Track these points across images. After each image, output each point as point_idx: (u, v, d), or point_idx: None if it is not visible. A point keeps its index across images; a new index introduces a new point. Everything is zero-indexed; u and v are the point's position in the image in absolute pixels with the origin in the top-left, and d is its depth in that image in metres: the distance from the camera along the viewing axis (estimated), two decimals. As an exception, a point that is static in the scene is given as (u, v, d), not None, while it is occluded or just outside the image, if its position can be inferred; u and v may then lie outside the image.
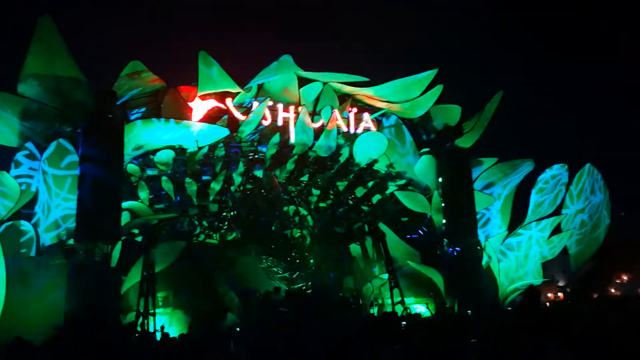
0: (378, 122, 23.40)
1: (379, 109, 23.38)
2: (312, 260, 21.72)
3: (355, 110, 23.05)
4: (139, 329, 16.01)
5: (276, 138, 21.34)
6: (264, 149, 21.42)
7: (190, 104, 20.02)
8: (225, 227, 20.92)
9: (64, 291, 15.29)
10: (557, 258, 25.30)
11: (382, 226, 21.86)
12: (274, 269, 21.18)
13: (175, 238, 19.26)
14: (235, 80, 20.28)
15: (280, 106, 21.45)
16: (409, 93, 22.39)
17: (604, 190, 25.92)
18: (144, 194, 19.49)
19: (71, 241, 16.35)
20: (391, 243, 21.66)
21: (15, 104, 16.95)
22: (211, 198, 20.55)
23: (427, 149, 23.14)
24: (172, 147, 19.54)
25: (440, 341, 7.24)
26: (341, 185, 22.71)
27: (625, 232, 28.74)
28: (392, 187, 23.06)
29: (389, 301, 20.78)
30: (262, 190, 21.13)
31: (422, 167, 22.39)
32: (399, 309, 19.77)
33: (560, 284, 25.43)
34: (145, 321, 16.34)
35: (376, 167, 22.76)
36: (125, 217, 17.62)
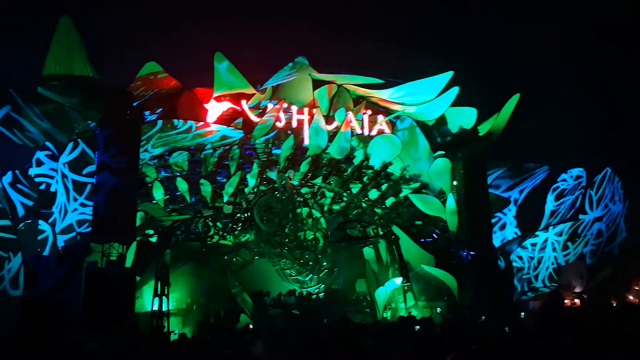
0: (392, 125, 23.30)
1: (394, 111, 23.27)
2: (325, 263, 21.65)
3: (369, 112, 22.97)
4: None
5: (290, 140, 21.35)
6: (278, 151, 21.44)
7: (205, 105, 20.12)
8: (239, 228, 20.96)
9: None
10: (574, 264, 24.98)
11: (396, 229, 21.72)
12: (287, 271, 21.16)
13: (189, 239, 19.34)
14: (250, 81, 20.35)
15: (294, 108, 21.47)
16: (425, 95, 22.24)
17: (623, 200, 25.58)
18: (158, 194, 19.60)
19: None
20: (405, 246, 21.51)
21: (35, 104, 17.16)
22: (225, 199, 20.61)
23: (442, 152, 22.97)
24: (187, 149, 19.67)
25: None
26: (355, 187, 22.63)
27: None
28: (406, 190, 22.92)
29: (402, 305, 20.64)
30: (276, 192, 21.14)
31: (437, 170, 22.22)
32: (414, 313, 19.60)
33: (577, 290, 25.03)
34: (160, 321, 16.41)
35: (390, 169, 22.66)
36: (140, 218, 17.76)
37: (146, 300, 17.16)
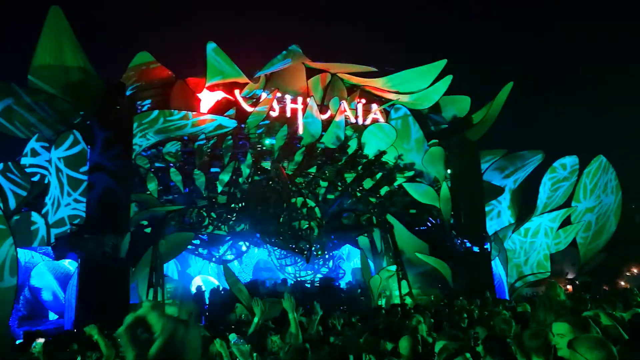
0: (386, 113, 23.27)
1: (388, 100, 23.23)
2: (319, 252, 21.72)
3: (363, 101, 22.94)
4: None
5: (284, 130, 21.29)
6: (272, 141, 21.39)
7: (198, 95, 20.01)
8: (233, 218, 20.96)
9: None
10: (567, 250, 25.19)
11: (390, 218, 21.80)
12: (282, 260, 21.22)
13: (184, 229, 19.31)
14: (243, 70, 20.23)
15: (288, 97, 21.38)
16: (418, 84, 22.20)
17: (616, 192, 25.67)
18: (152, 185, 19.54)
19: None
20: (399, 235, 21.61)
21: (25, 95, 17.01)
22: (219, 189, 20.58)
23: (436, 140, 22.99)
24: (180, 139, 19.59)
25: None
26: (349, 177, 22.65)
27: (635, 225, 28.53)
28: (400, 179, 22.96)
29: (397, 293, 20.78)
30: (270, 182, 21.13)
31: (431, 159, 22.25)
32: (407, 301, 19.75)
33: (570, 276, 25.29)
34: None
35: (384, 158, 22.67)
36: (133, 209, 17.71)
37: (141, 291, 17.16)
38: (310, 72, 22.04)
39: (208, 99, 20.16)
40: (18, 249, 16.02)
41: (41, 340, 9.58)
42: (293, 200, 21.18)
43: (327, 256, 22.12)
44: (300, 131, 21.36)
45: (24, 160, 17.98)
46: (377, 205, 22.79)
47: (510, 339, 5.44)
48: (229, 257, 21.09)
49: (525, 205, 24.46)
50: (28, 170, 17.64)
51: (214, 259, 21.55)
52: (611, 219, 25.68)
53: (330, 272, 22.15)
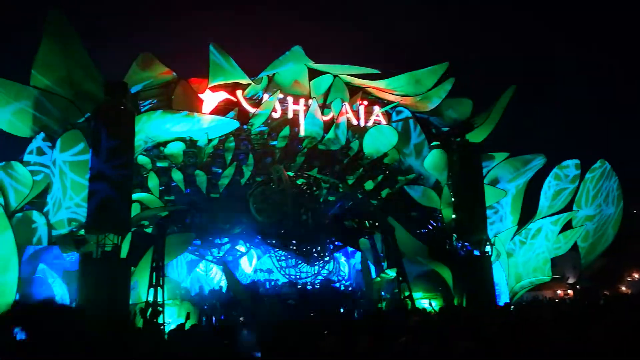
0: (388, 115, 23.28)
1: (390, 102, 23.24)
2: (320, 254, 21.70)
3: (365, 103, 22.95)
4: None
5: (286, 131, 21.31)
6: (273, 142, 21.40)
7: (200, 95, 20.03)
8: (235, 219, 20.95)
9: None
10: (568, 254, 25.12)
11: (391, 220, 21.76)
12: (282, 262, 21.22)
13: (184, 230, 19.31)
14: (245, 71, 20.24)
15: (290, 99, 21.40)
16: (421, 86, 22.20)
17: (617, 203, 25.55)
18: (153, 185, 19.55)
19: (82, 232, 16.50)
20: (400, 237, 21.56)
21: (28, 95, 17.04)
22: (221, 190, 20.57)
23: (438, 143, 22.97)
24: (182, 139, 19.61)
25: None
26: (350, 178, 22.64)
27: (636, 229, 28.42)
28: (401, 181, 22.95)
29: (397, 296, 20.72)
30: (272, 184, 21.14)
31: (432, 161, 22.23)
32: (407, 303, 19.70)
33: (570, 280, 25.23)
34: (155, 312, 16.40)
35: (386, 160, 22.67)
36: (135, 209, 17.72)
37: (141, 291, 17.16)
38: (313, 74, 22.05)
39: (210, 99, 20.18)
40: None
41: None
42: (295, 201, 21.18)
43: (327, 258, 22.07)
44: (302, 132, 21.37)
45: (29, 158, 17.99)
46: (378, 207, 22.76)
47: None
48: (230, 257, 21.07)
49: (526, 209, 24.40)
50: (33, 168, 17.67)
51: (214, 260, 21.56)
52: (609, 232, 25.59)
53: (330, 274, 22.11)
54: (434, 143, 23.05)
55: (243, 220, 20.17)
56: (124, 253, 16.28)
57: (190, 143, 19.62)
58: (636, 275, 28.08)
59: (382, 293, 21.09)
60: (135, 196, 17.55)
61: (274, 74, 21.34)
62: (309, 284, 21.41)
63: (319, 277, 21.69)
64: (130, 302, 15.91)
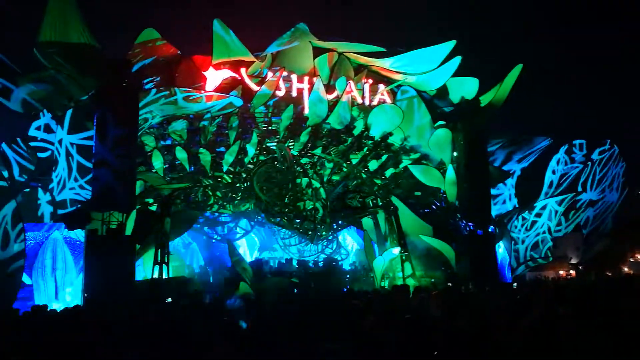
0: (393, 94, 23.06)
1: (395, 80, 23.00)
2: (324, 233, 21.80)
3: (370, 81, 22.71)
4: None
5: (290, 109, 21.16)
6: (277, 120, 21.29)
7: (204, 73, 19.86)
8: (238, 197, 21.00)
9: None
10: (570, 235, 25.17)
11: (395, 200, 21.78)
12: (286, 240, 21.33)
13: (189, 208, 19.39)
14: (249, 48, 20.02)
15: (294, 77, 21.20)
16: (426, 65, 21.92)
17: (620, 190, 25.44)
18: (158, 163, 19.56)
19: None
20: (404, 217, 21.61)
21: (31, 71, 16.95)
22: (225, 169, 20.58)
23: (443, 123, 22.81)
24: (186, 117, 19.53)
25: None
26: (355, 158, 22.58)
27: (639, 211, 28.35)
28: (406, 161, 22.87)
29: (400, 274, 20.89)
30: (276, 162, 21.11)
31: (437, 141, 22.11)
32: (410, 282, 19.87)
33: (573, 261, 25.30)
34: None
35: (390, 140, 22.54)
36: (139, 187, 17.78)
37: (146, 269, 17.33)
38: (317, 52, 21.78)
39: (214, 77, 19.98)
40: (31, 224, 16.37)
41: None
42: (298, 180, 21.21)
43: (331, 237, 22.17)
44: (306, 111, 21.22)
45: (36, 133, 18.00)
46: (382, 187, 22.76)
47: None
48: (235, 235, 21.19)
49: (531, 189, 24.37)
50: (40, 144, 17.71)
51: (219, 238, 21.69)
52: (607, 221, 25.57)
53: (333, 252, 22.23)
54: (439, 123, 22.90)
55: (247, 198, 20.21)
56: (129, 230, 16.39)
57: (194, 121, 19.53)
58: (639, 256, 28.14)
59: (385, 272, 21.26)
60: (139, 174, 17.58)
61: (278, 52, 21.10)
62: (312, 262, 21.54)
63: (322, 256, 21.81)
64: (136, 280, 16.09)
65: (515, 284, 19.59)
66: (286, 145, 21.02)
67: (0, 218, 14.51)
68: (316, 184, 21.50)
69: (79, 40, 16.96)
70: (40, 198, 17.34)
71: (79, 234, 17.17)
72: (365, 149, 22.52)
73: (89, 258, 15.62)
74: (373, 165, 22.71)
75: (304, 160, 21.92)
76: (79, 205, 16.89)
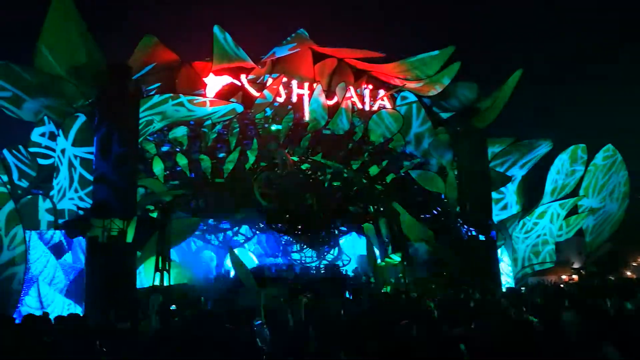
0: (394, 100, 23.09)
1: (395, 86, 23.03)
2: (325, 239, 21.71)
3: (370, 87, 22.75)
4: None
5: (290, 115, 21.16)
6: (278, 127, 21.27)
7: (204, 79, 19.87)
8: (240, 203, 20.90)
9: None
10: (573, 239, 25.08)
11: (396, 205, 21.72)
12: (288, 246, 21.25)
13: (189, 214, 19.31)
14: (250, 55, 20.06)
15: (294, 83, 21.22)
16: (426, 70, 21.96)
17: (621, 201, 25.30)
18: (158, 170, 19.51)
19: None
20: (405, 222, 21.52)
21: (31, 78, 16.93)
22: (225, 175, 20.52)
23: (443, 127, 22.82)
24: (186, 123, 19.51)
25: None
26: (355, 163, 22.54)
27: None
28: (406, 166, 22.85)
29: (403, 280, 20.76)
30: (276, 168, 21.06)
31: (438, 146, 22.10)
32: (411, 288, 19.72)
33: (575, 265, 25.20)
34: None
35: (391, 145, 22.54)
36: (140, 193, 17.71)
37: (147, 276, 17.23)
38: (317, 57, 21.83)
39: (214, 83, 20.03)
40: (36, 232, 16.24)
41: None
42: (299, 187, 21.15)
43: (332, 243, 22.09)
44: (307, 117, 21.23)
45: (40, 140, 17.93)
46: (383, 193, 22.70)
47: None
48: (236, 242, 21.10)
49: (532, 193, 24.32)
50: (43, 151, 17.68)
51: (220, 244, 21.60)
52: (606, 229, 25.47)
53: (335, 258, 22.15)
54: (440, 128, 22.91)
55: (248, 205, 20.13)
56: (129, 238, 16.30)
57: (195, 127, 19.51)
58: (641, 260, 28.04)
59: (387, 278, 21.15)
60: (140, 181, 17.52)
61: (278, 58, 21.14)
62: (313, 268, 21.44)
63: (324, 262, 21.71)
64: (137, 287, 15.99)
65: (523, 289, 19.49)
66: (286, 151, 20.98)
67: None
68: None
69: (79, 45, 16.96)
70: (39, 206, 17.26)
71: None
72: (366, 154, 22.49)
73: (90, 265, 15.52)
74: (374, 170, 22.68)
75: (304, 166, 21.88)
76: (80, 212, 16.81)
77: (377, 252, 22.11)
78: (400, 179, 22.80)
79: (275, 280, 19.68)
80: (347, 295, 18.30)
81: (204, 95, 19.07)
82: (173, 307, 13.88)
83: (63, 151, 17.24)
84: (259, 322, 6.12)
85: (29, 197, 16.94)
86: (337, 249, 22.34)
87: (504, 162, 23.57)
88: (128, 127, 16.42)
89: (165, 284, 16.43)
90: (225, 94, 19.89)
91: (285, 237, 21.08)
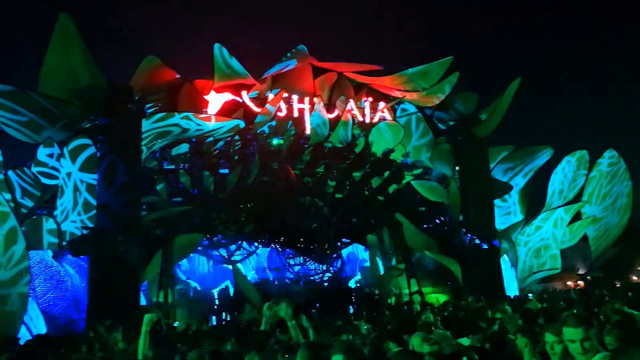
0: (394, 111, 23.26)
1: (395, 97, 23.22)
2: (328, 251, 21.76)
3: (370, 99, 22.94)
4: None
5: (291, 130, 21.37)
6: (279, 141, 21.47)
7: (205, 97, 20.14)
8: (242, 219, 21.03)
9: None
10: (578, 245, 24.99)
11: (399, 216, 21.77)
12: (291, 260, 21.30)
13: (193, 231, 19.43)
14: (250, 71, 20.33)
15: (295, 97, 21.46)
16: (426, 81, 22.15)
17: (623, 213, 25.17)
18: (161, 186, 19.69)
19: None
20: (408, 233, 21.56)
21: (35, 101, 17.23)
22: (228, 191, 20.66)
23: (444, 137, 22.94)
24: (189, 141, 19.74)
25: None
26: (357, 175, 22.65)
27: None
28: (408, 177, 22.93)
29: (407, 291, 20.75)
30: (278, 182, 21.19)
31: (439, 156, 22.21)
32: (416, 299, 19.72)
33: (581, 271, 25.11)
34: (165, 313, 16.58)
35: (392, 156, 22.66)
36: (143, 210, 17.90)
37: (151, 293, 17.35)
38: (317, 72, 22.09)
39: (215, 100, 20.31)
40: (38, 252, 16.37)
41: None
42: (301, 200, 21.26)
43: (335, 255, 22.14)
44: (308, 131, 21.42)
45: (47, 160, 18.14)
46: (385, 204, 22.76)
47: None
48: (238, 257, 21.19)
49: (534, 201, 24.32)
50: (49, 171, 17.92)
51: (223, 260, 21.69)
52: (608, 241, 25.33)
53: (338, 271, 22.17)
54: (441, 138, 23.03)
55: (251, 219, 20.27)
56: (133, 255, 16.46)
57: (197, 144, 19.74)
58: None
59: (391, 289, 21.13)
60: (143, 199, 17.72)
61: (278, 74, 21.41)
62: (317, 281, 21.45)
63: (327, 274, 21.73)
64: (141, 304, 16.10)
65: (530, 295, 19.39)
66: (288, 165, 21.11)
67: None
68: (319, 202, 21.53)
69: (82, 68, 17.26)
70: (43, 227, 17.43)
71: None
72: (368, 166, 22.60)
73: (94, 282, 15.66)
74: (376, 182, 22.78)
75: (306, 179, 22.00)
76: (84, 232, 17.01)
77: (380, 263, 22.13)
78: (402, 189, 22.86)
79: (280, 294, 19.71)
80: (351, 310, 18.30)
81: (205, 113, 19.33)
82: (176, 323, 14.02)
83: (69, 174, 17.47)
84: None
85: (34, 217, 17.14)
86: (340, 260, 22.35)
87: (505, 170, 23.61)
88: (130, 146, 16.65)
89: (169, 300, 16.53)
90: (226, 111, 20.15)
91: (287, 251, 21.14)
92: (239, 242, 20.93)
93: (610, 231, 25.19)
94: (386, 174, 22.80)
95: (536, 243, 23.47)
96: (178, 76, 19.64)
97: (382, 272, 21.92)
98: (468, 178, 21.92)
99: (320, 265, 21.50)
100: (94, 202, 16.83)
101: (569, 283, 24.46)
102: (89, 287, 15.85)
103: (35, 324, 15.61)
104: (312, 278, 21.21)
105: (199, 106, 19.67)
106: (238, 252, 20.95)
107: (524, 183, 24.35)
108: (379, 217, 22.43)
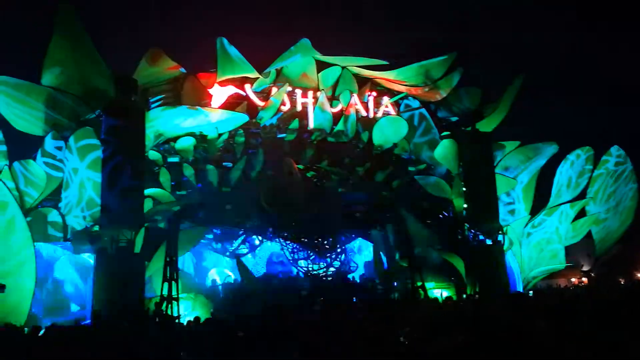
0: (398, 106, 23.17)
1: (399, 92, 23.12)
2: (332, 246, 21.70)
3: (374, 94, 22.85)
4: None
5: (295, 124, 21.30)
6: (283, 135, 21.40)
7: (209, 90, 20.07)
8: (247, 212, 20.95)
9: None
10: (582, 242, 24.92)
11: (403, 212, 21.71)
12: (295, 254, 21.26)
13: (197, 224, 19.41)
14: (254, 65, 20.24)
15: (298, 91, 21.38)
16: (430, 76, 22.03)
17: (625, 217, 25.05)
18: (165, 180, 19.66)
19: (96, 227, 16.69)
20: (411, 228, 21.50)
21: (39, 93, 17.20)
22: (232, 184, 20.62)
23: (448, 133, 22.85)
24: (192, 134, 19.69)
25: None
26: (361, 170, 22.58)
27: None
28: (412, 172, 22.86)
29: (410, 286, 20.69)
30: (282, 177, 21.11)
31: (443, 151, 22.12)
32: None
33: (585, 268, 25.03)
34: (169, 306, 16.57)
35: (396, 151, 22.59)
36: (147, 204, 17.87)
37: (155, 285, 17.33)
38: (321, 66, 21.98)
39: (219, 94, 20.23)
40: (40, 244, 16.40)
41: None
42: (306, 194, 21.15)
43: (339, 249, 22.09)
44: (311, 125, 21.35)
45: (55, 152, 18.15)
46: (389, 198, 22.68)
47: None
48: (243, 251, 21.18)
49: (538, 197, 24.23)
50: (56, 163, 17.94)
51: (227, 253, 21.68)
52: (610, 242, 25.25)
53: (342, 265, 22.12)
54: (445, 133, 22.94)
55: (255, 213, 20.21)
56: (137, 248, 16.45)
57: (201, 138, 19.68)
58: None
59: (395, 283, 21.10)
60: (147, 192, 17.69)
61: (282, 67, 21.32)
62: (322, 275, 21.41)
63: (332, 269, 21.68)
64: (146, 296, 16.10)
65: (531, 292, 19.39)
66: (291, 159, 21.04)
67: None
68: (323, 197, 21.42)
69: (86, 60, 17.21)
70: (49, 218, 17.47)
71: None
72: (370, 162, 22.50)
73: (99, 276, 15.66)
74: (379, 177, 22.70)
75: (310, 174, 21.94)
76: (87, 226, 17.00)
77: (384, 258, 22.08)
78: (406, 184, 22.79)
79: (285, 288, 19.68)
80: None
81: (207, 105, 19.29)
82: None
83: (75, 170, 17.45)
84: None
85: (39, 209, 17.16)
86: (344, 255, 22.31)
87: (510, 166, 23.49)
88: (134, 139, 16.60)
89: (174, 293, 16.49)
90: (230, 104, 20.09)
91: (291, 245, 21.09)
92: (244, 235, 20.90)
93: (611, 235, 25.13)
94: (389, 169, 22.72)
95: (540, 239, 23.40)
96: (182, 69, 19.56)
97: (385, 266, 21.87)
98: (472, 173, 21.83)
99: (325, 260, 21.45)
100: (97, 199, 16.79)
101: (573, 280, 24.37)
102: (94, 279, 15.85)
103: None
104: (316, 272, 21.17)
105: (203, 99, 19.60)
106: (242, 246, 20.91)
107: (528, 179, 24.24)
108: (383, 212, 22.35)
